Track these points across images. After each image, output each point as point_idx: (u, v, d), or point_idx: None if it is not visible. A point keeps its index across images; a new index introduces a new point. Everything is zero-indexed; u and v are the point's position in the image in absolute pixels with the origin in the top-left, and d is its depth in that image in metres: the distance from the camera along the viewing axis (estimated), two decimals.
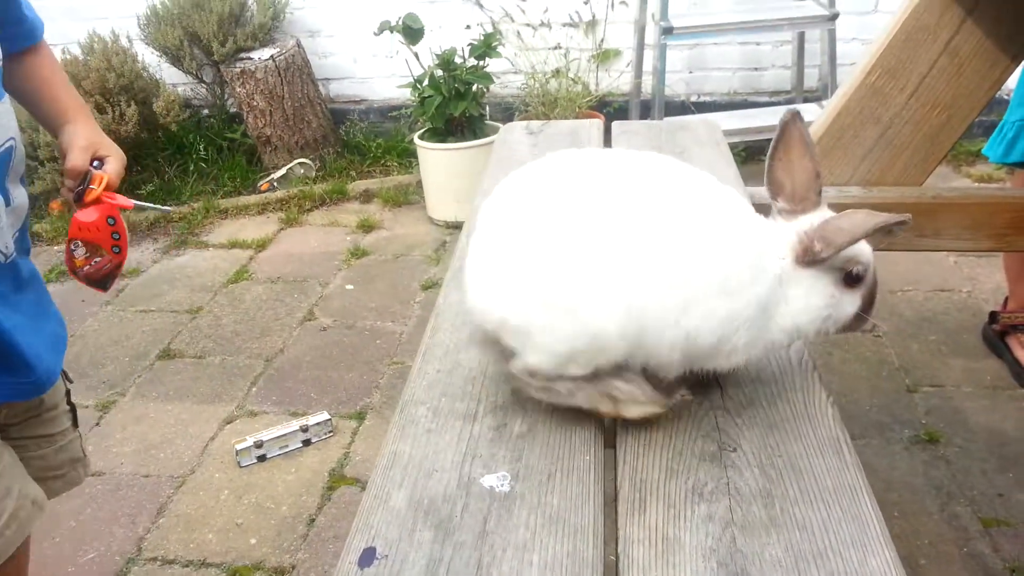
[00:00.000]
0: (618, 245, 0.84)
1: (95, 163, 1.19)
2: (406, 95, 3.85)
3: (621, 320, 0.84)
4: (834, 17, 3.47)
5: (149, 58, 4.11)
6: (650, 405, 0.92)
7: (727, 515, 0.81)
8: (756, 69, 4.02)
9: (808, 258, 0.89)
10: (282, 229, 3.68)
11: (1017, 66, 1.62)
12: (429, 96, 3.28)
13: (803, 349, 1.07)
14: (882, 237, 0.86)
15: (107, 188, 1.18)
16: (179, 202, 3.86)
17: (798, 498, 0.83)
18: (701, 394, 0.98)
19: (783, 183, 0.93)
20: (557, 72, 3.81)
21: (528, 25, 3.89)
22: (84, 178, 1.17)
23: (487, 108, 3.87)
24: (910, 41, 1.63)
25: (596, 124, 2.03)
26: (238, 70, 3.91)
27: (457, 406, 1.00)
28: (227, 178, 4.05)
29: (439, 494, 0.86)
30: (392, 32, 3.35)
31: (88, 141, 1.19)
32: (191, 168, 4.04)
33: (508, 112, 4.02)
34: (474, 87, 3.39)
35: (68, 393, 1.28)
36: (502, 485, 0.87)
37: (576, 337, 0.86)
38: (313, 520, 2.04)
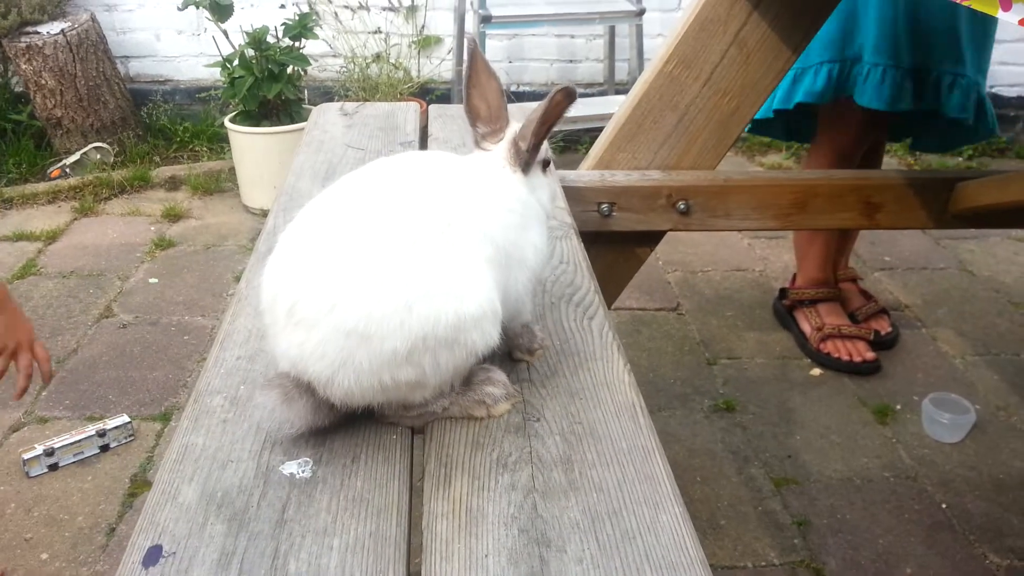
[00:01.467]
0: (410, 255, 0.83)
1: None
2: (216, 75, 3.64)
3: (476, 312, 0.84)
4: (641, 12, 3.65)
5: None
6: (511, 398, 0.94)
7: (529, 483, 0.83)
8: (571, 61, 4.15)
9: (521, 159, 0.97)
10: (76, 219, 3.38)
11: (797, 56, 1.76)
12: (240, 77, 3.12)
13: (605, 322, 1.11)
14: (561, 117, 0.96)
15: None
16: None
17: (595, 461, 0.86)
18: (508, 368, 0.99)
19: (479, 108, 0.98)
20: (377, 57, 3.75)
21: (346, 7, 3.79)
22: None
23: (305, 92, 3.74)
24: (703, 32, 1.73)
25: (413, 107, 2.01)
26: (23, 45, 3.55)
27: (257, 394, 0.95)
28: (12, 164, 3.66)
29: (234, 485, 0.82)
30: (198, 8, 3.16)
31: None
32: None
33: (327, 96, 3.91)
34: (289, 69, 3.27)
35: None
36: (303, 471, 0.84)
37: (462, 360, 0.86)
38: (114, 529, 1.89)
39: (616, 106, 3.82)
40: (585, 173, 1.84)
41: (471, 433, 0.90)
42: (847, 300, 2.66)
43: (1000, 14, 0.87)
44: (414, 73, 3.88)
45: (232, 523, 0.77)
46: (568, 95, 0.93)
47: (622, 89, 4.05)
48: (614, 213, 1.82)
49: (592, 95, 4.10)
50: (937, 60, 2.15)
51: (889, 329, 2.61)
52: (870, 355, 2.48)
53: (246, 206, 3.48)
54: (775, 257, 3.18)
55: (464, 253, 0.85)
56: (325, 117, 1.92)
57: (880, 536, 1.93)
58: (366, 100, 3.65)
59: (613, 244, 1.88)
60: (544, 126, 0.96)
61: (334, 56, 3.85)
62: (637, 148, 1.84)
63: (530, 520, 0.78)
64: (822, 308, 2.56)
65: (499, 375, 0.95)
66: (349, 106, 2.00)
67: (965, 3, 0.92)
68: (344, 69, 3.78)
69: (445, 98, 3.92)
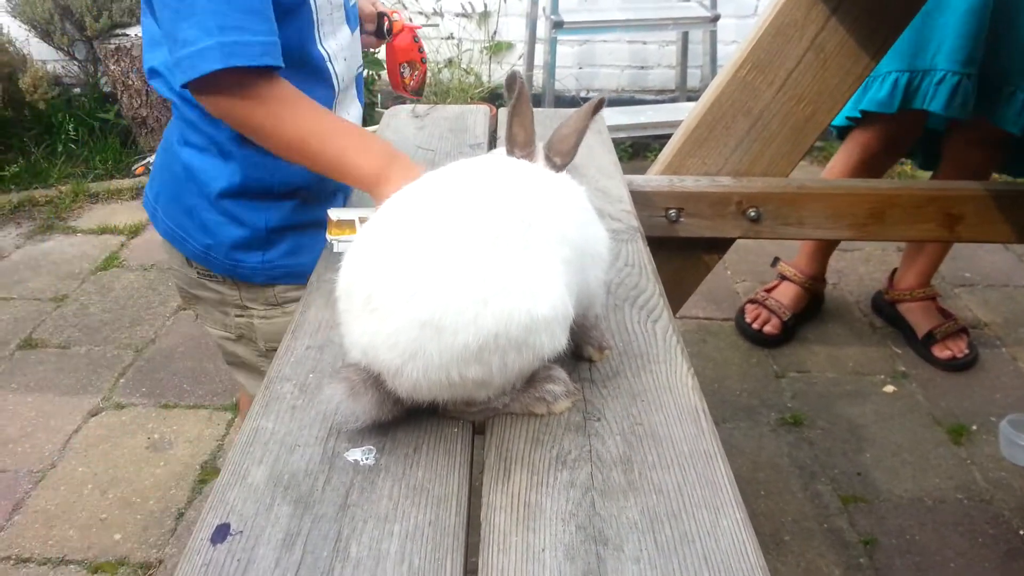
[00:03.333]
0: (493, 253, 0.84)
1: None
2: None
3: (548, 314, 0.84)
4: (715, 18, 3.61)
5: (16, 31, 3.85)
6: (571, 396, 0.94)
7: (588, 481, 0.83)
8: (643, 68, 4.13)
9: (558, 166, 1.02)
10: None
11: (876, 63, 1.72)
12: None
13: (669, 325, 1.10)
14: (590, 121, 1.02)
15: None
16: (46, 185, 3.63)
17: (656, 463, 0.85)
18: (570, 367, 0.99)
19: (519, 135, 1.00)
20: (450, 62, 3.80)
21: (420, 13, 3.85)
22: (379, 19, 1.50)
23: (378, 96, 3.81)
24: (779, 36, 1.70)
25: (482, 110, 2.03)
26: (112, 47, 3.71)
27: (325, 383, 0.97)
28: (99, 161, 3.83)
29: (301, 469, 0.84)
30: None
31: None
32: (59, 149, 3.80)
33: (398, 100, 3.97)
34: (364, 73, 3.33)
35: None
36: (367, 459, 0.85)
37: (528, 362, 0.86)
38: (182, 514, 1.96)
39: (686, 113, 3.80)
40: (653, 178, 1.83)
41: (531, 430, 0.91)
42: (926, 318, 2.59)
43: None
44: (484, 78, 3.92)
45: (298, 505, 0.79)
46: (601, 103, 1.03)
47: (694, 96, 4.01)
48: (682, 219, 1.81)
49: (663, 102, 4.07)
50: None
51: (967, 351, 2.53)
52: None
53: None
54: (850, 270, 3.09)
55: (542, 254, 0.86)
56: (397, 119, 1.95)
57: (951, 560, 1.86)
58: (436, 104, 3.70)
59: (680, 250, 1.87)
60: (581, 137, 1.02)
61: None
62: (707, 154, 1.82)
63: (588, 517, 0.78)
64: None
65: (560, 373, 0.95)
66: (420, 108, 2.03)
67: None
68: None
69: None
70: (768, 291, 2.70)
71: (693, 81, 4.05)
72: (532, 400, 0.92)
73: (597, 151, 1.74)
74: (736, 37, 3.99)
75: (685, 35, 3.89)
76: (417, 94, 1.60)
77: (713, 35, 3.68)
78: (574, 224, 0.93)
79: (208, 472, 2.08)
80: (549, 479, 0.83)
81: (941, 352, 2.52)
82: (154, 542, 1.88)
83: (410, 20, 1.62)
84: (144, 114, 3.84)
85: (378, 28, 1.53)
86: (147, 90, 3.78)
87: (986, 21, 2.05)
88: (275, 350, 1.34)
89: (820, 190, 1.82)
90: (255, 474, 0.83)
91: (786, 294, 2.67)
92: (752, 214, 1.79)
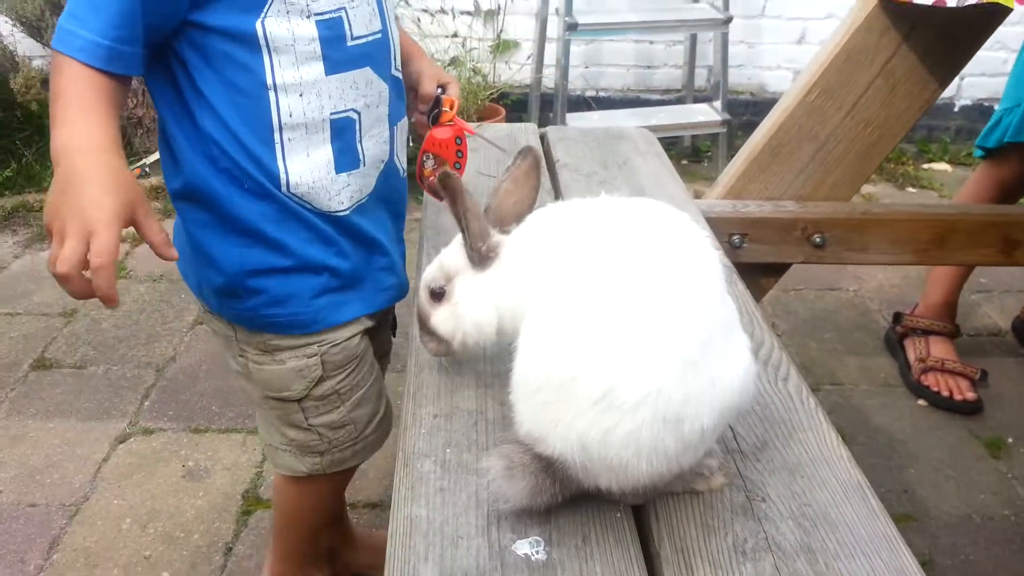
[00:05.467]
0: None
1: (439, 89, 1.37)
2: None
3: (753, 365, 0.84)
4: (728, 20, 3.57)
5: (3, 27, 3.68)
6: (723, 468, 0.91)
7: (775, 574, 0.79)
8: (649, 67, 4.09)
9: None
10: (160, 220, 3.39)
11: (943, 89, 1.70)
12: None
13: (801, 385, 1.07)
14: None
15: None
16: (40, 190, 3.49)
17: (838, 552, 0.82)
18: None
19: (472, 226, 0.98)
20: (455, 60, 3.72)
21: (426, 11, 3.77)
22: (435, 102, 1.36)
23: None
24: (849, 62, 1.68)
25: (531, 128, 1.98)
26: None
27: (465, 458, 0.93)
28: None
29: (472, 567, 0.80)
30: None
31: (432, 71, 1.38)
32: None
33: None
34: None
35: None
36: (537, 553, 0.81)
37: (692, 448, 0.82)
38: (231, 548, 1.89)
39: (696, 115, 3.78)
40: (717, 203, 1.80)
41: (697, 513, 0.87)
42: None
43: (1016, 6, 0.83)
44: (491, 79, 3.84)
45: None
46: (530, 157, 1.03)
47: (700, 96, 3.99)
48: (745, 244, 1.78)
49: (670, 102, 4.04)
50: None
51: None
52: (971, 395, 2.39)
53: None
54: (868, 276, 3.10)
55: (731, 307, 0.85)
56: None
57: None
58: (482, 123, 3.62)
59: (739, 275, 1.84)
60: (533, 196, 1.03)
61: None
62: (770, 178, 1.80)
63: None
64: (932, 340, 2.48)
65: (713, 444, 0.92)
66: (469, 126, 1.97)
67: None
68: None
69: (522, 104, 3.88)
70: (923, 358, 2.45)
71: (700, 81, 4.03)
72: (693, 476, 0.89)
73: (664, 178, 1.70)
74: (744, 37, 3.97)
75: (694, 36, 3.85)
76: (437, 196, 1.43)
77: (725, 36, 3.64)
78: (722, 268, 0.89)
79: (251, 502, 2.01)
80: (734, 573, 0.80)
81: None
82: None
83: (470, 124, 1.48)
84: (140, 114, 3.71)
85: (431, 112, 1.38)
86: (143, 89, 3.65)
87: None
88: (272, 398, 1.33)
89: (884, 216, 1.81)
90: (425, 574, 0.79)
91: (941, 345, 2.47)
92: (817, 240, 1.77)
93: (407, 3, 3.78)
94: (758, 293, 1.91)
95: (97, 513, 1.98)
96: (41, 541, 1.90)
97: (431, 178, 1.40)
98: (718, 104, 3.70)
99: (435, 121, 1.37)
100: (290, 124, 1.12)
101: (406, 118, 1.33)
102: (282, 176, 1.14)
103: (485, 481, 0.84)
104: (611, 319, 0.78)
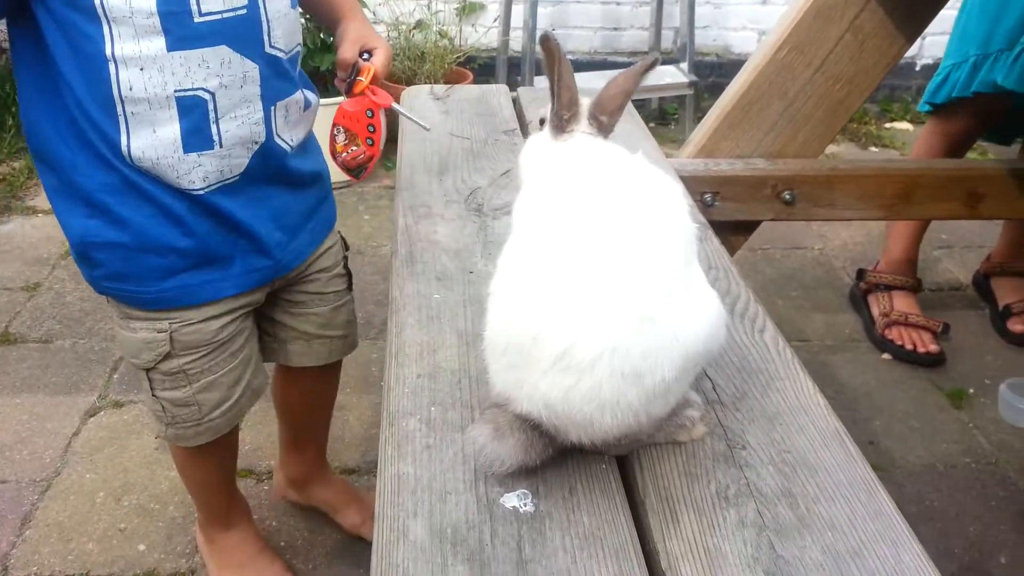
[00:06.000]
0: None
1: (364, 55, 1.29)
2: None
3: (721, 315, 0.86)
4: None
5: None
6: (705, 418, 0.92)
7: (757, 519, 0.81)
8: (616, 29, 4.06)
9: (604, 132, 1.01)
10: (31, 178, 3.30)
11: (911, 44, 1.72)
12: None
13: (778, 336, 1.09)
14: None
15: (373, 80, 1.29)
16: None
17: (819, 495, 0.84)
18: (695, 388, 0.97)
19: (563, 95, 0.98)
20: (420, 24, 3.66)
21: None
22: (352, 69, 1.28)
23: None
24: (819, 18, 1.68)
25: (503, 90, 1.96)
26: None
27: (450, 416, 0.93)
28: None
29: (461, 521, 0.80)
30: None
31: (357, 34, 1.30)
32: (10, 122, 3.54)
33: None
34: None
35: (345, 259, 1.49)
36: (525, 504, 0.82)
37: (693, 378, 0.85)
38: None
39: (664, 76, 3.77)
40: (688, 162, 1.81)
41: (679, 462, 0.89)
42: (1009, 292, 2.57)
43: None
44: (458, 42, 3.79)
45: (472, 564, 0.76)
46: (654, 63, 1.03)
47: (667, 58, 3.97)
48: (717, 203, 1.79)
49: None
50: None
51: None
52: (934, 347, 2.45)
53: None
54: (832, 234, 3.14)
55: (695, 257, 0.86)
56: (418, 101, 1.87)
57: (970, 524, 1.94)
58: (413, 70, 3.58)
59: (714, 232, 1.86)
60: (628, 98, 1.01)
61: (376, 23, 3.76)
62: (741, 136, 1.80)
63: (772, 561, 0.77)
64: (895, 295, 2.53)
65: (695, 396, 0.93)
66: (438, 89, 1.95)
67: None
68: (387, 38, 3.69)
69: (489, 68, 3.84)
70: (887, 313, 2.50)
71: (666, 43, 4.02)
72: (674, 427, 0.90)
73: (637, 136, 1.70)
74: None
75: None
76: (351, 173, 1.39)
77: None
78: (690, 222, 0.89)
79: None
80: (718, 519, 0.81)
81: (1014, 326, 2.50)
82: (182, 551, 1.81)
83: (387, 98, 1.35)
84: None
85: (348, 80, 1.32)
86: None
87: None
88: (138, 367, 1.31)
89: (851, 172, 1.83)
90: (415, 530, 0.79)
91: (904, 300, 2.52)
92: (787, 197, 1.79)
93: None
94: (729, 251, 1.92)
95: (70, 488, 1.95)
96: (13, 517, 1.87)
97: (343, 154, 1.34)
98: (685, 66, 3.69)
99: (349, 90, 1.30)
100: (131, 98, 1.09)
101: (301, 93, 1.25)
102: (123, 147, 1.11)
103: (475, 449, 0.84)
104: (569, 279, 0.79)
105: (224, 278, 1.26)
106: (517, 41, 3.71)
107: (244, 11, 1.11)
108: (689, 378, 0.85)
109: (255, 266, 1.28)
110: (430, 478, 0.85)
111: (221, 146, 1.16)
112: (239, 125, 1.16)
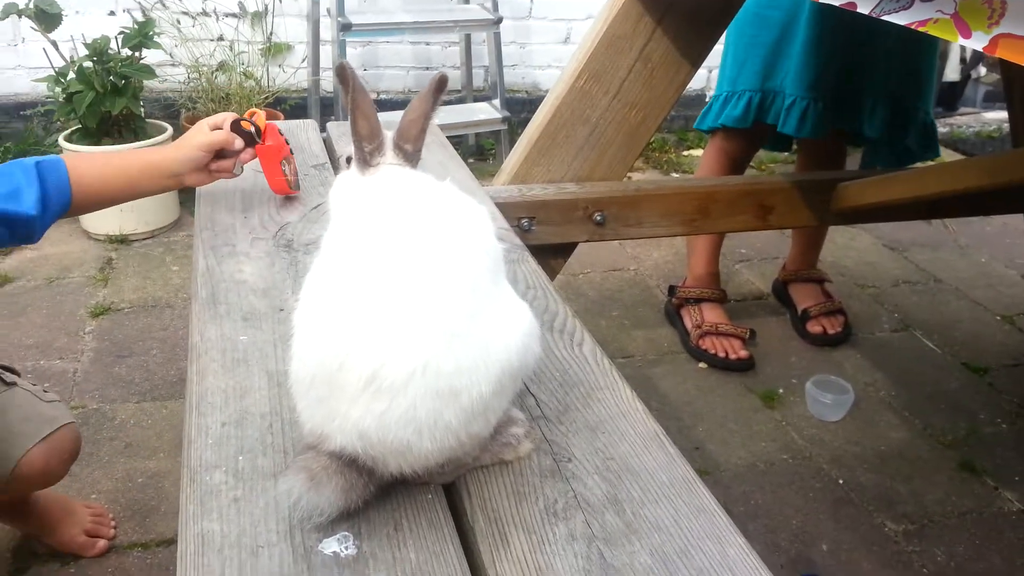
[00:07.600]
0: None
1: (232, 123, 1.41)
2: (39, 91, 3.29)
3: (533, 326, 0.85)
4: (499, 21, 3.66)
5: None
6: (531, 435, 0.91)
7: (587, 530, 0.80)
8: (428, 68, 4.10)
9: (412, 161, 0.98)
10: None
11: (696, 69, 1.83)
12: (79, 92, 2.82)
13: (595, 347, 1.10)
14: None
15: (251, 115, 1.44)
16: None
17: (643, 499, 0.85)
18: (518, 406, 0.96)
19: (363, 128, 0.96)
20: (222, 65, 3.52)
21: (186, 13, 3.53)
22: (235, 126, 1.40)
23: (142, 105, 3.45)
24: (611, 48, 1.76)
25: (311, 125, 1.91)
26: None
27: (261, 463, 0.86)
28: None
29: (275, 574, 0.73)
30: (20, 16, 2.82)
31: (195, 127, 1.39)
32: None
33: (170, 108, 3.63)
34: (131, 81, 3.00)
35: None
36: (347, 548, 0.77)
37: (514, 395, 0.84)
38: None
39: (477, 113, 3.84)
40: (503, 188, 1.83)
41: (506, 482, 0.86)
42: (805, 297, 2.78)
43: (961, 40, 0.94)
44: (265, 83, 3.68)
45: None
46: (443, 81, 0.97)
47: (480, 96, 4.06)
48: (534, 227, 1.82)
49: (451, 102, 4.08)
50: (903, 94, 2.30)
51: (839, 329, 2.73)
52: (744, 353, 2.61)
53: (88, 232, 3.16)
54: (645, 255, 3.30)
55: (503, 277, 0.86)
56: None
57: (792, 517, 2.05)
58: (216, 112, 3.42)
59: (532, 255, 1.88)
60: (428, 122, 0.98)
61: (173, 65, 3.58)
62: (551, 162, 1.85)
63: (603, 571, 0.76)
64: (705, 307, 2.69)
65: (518, 413, 0.92)
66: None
67: (923, 29, 0.99)
68: (187, 80, 3.52)
69: (301, 108, 3.75)
70: (699, 324, 2.64)
71: (478, 81, 4.10)
72: (499, 447, 0.88)
73: (451, 166, 1.70)
74: (515, 38, 4.09)
75: (468, 37, 3.91)
76: (295, 187, 1.51)
77: (497, 36, 3.73)
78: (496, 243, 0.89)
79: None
80: (548, 535, 0.80)
81: (813, 327, 2.72)
82: None
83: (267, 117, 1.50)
84: None
85: (246, 135, 1.42)
86: None
87: (834, 49, 2.19)
88: None
89: (654, 192, 1.92)
90: None
91: (712, 310, 2.67)
92: (598, 218, 1.85)
93: (164, 5, 3.53)
94: (550, 274, 1.95)
95: None
96: None
97: (292, 178, 1.49)
98: (497, 102, 3.78)
99: (259, 135, 1.43)
100: None
101: None
102: None
103: (290, 503, 0.77)
104: (373, 302, 0.76)
105: None
106: (328, 82, 3.66)
107: None
108: (508, 394, 0.83)
109: None
110: (239, 533, 0.77)
111: None
112: None
